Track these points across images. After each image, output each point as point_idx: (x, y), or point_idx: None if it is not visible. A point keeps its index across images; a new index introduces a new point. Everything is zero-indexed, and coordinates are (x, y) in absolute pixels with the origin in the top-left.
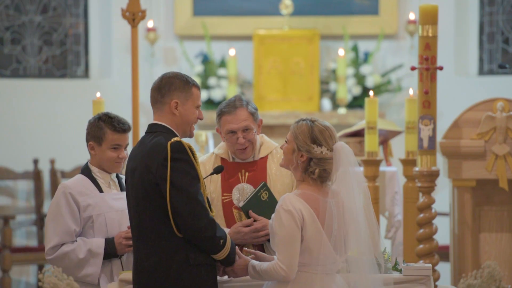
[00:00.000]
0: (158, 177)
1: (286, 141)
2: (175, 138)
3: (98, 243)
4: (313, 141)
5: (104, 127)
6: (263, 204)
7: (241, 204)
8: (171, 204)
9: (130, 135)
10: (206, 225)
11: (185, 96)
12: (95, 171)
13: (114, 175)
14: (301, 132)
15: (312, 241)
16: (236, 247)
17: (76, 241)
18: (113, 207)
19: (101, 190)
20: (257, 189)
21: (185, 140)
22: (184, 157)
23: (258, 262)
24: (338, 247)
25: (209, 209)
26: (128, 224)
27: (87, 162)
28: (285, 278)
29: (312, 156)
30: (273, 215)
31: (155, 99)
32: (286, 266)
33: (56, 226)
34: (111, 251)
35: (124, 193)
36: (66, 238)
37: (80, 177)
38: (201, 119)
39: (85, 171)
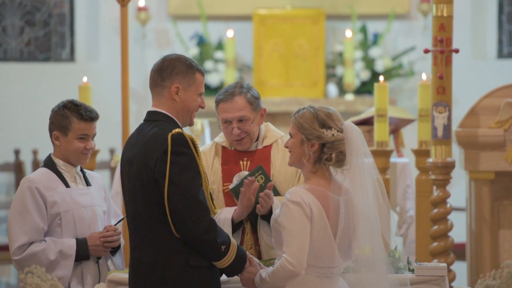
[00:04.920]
0: (157, 172)
1: (291, 136)
2: (176, 130)
3: (69, 244)
4: (321, 125)
5: (70, 116)
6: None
7: (231, 186)
8: (169, 202)
9: (118, 127)
10: (206, 227)
11: (187, 81)
12: (59, 164)
13: (79, 168)
14: (306, 120)
15: (317, 239)
16: (250, 255)
17: (45, 240)
18: (81, 203)
19: (67, 185)
20: (251, 172)
21: (185, 130)
22: (185, 151)
23: (265, 269)
24: (342, 250)
25: (211, 209)
26: (99, 221)
27: (49, 155)
28: (294, 273)
29: (324, 142)
30: (277, 210)
31: (155, 82)
32: (294, 260)
33: (23, 223)
34: (83, 253)
35: (91, 187)
36: (35, 236)
37: (44, 171)
38: (202, 107)
39: (49, 164)
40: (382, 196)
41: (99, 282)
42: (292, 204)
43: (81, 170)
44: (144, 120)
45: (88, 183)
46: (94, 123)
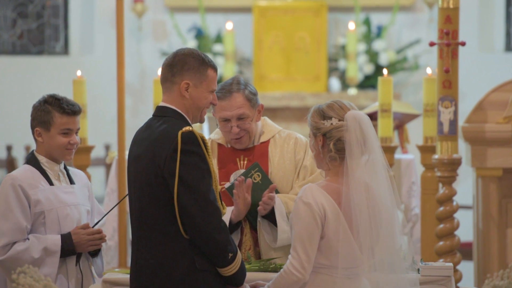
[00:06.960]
0: (166, 171)
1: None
2: (187, 128)
3: (53, 240)
4: (322, 117)
5: (51, 111)
6: (254, 186)
7: (226, 185)
8: (178, 202)
9: (113, 122)
10: (217, 227)
11: (199, 78)
12: (43, 161)
13: (62, 166)
14: (312, 116)
15: (335, 238)
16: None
17: (28, 239)
18: (65, 202)
19: (51, 183)
20: (247, 169)
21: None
22: (196, 150)
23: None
24: (364, 248)
25: (221, 210)
26: (83, 221)
27: (32, 151)
28: (299, 280)
29: (323, 132)
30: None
31: (165, 77)
32: (299, 265)
33: (5, 223)
34: (68, 248)
35: (75, 186)
36: (17, 236)
37: (27, 168)
38: (214, 104)
39: (32, 161)
40: (393, 192)
41: (82, 286)
42: (302, 204)
43: (65, 167)
44: (153, 115)
45: (71, 181)
46: (77, 117)
